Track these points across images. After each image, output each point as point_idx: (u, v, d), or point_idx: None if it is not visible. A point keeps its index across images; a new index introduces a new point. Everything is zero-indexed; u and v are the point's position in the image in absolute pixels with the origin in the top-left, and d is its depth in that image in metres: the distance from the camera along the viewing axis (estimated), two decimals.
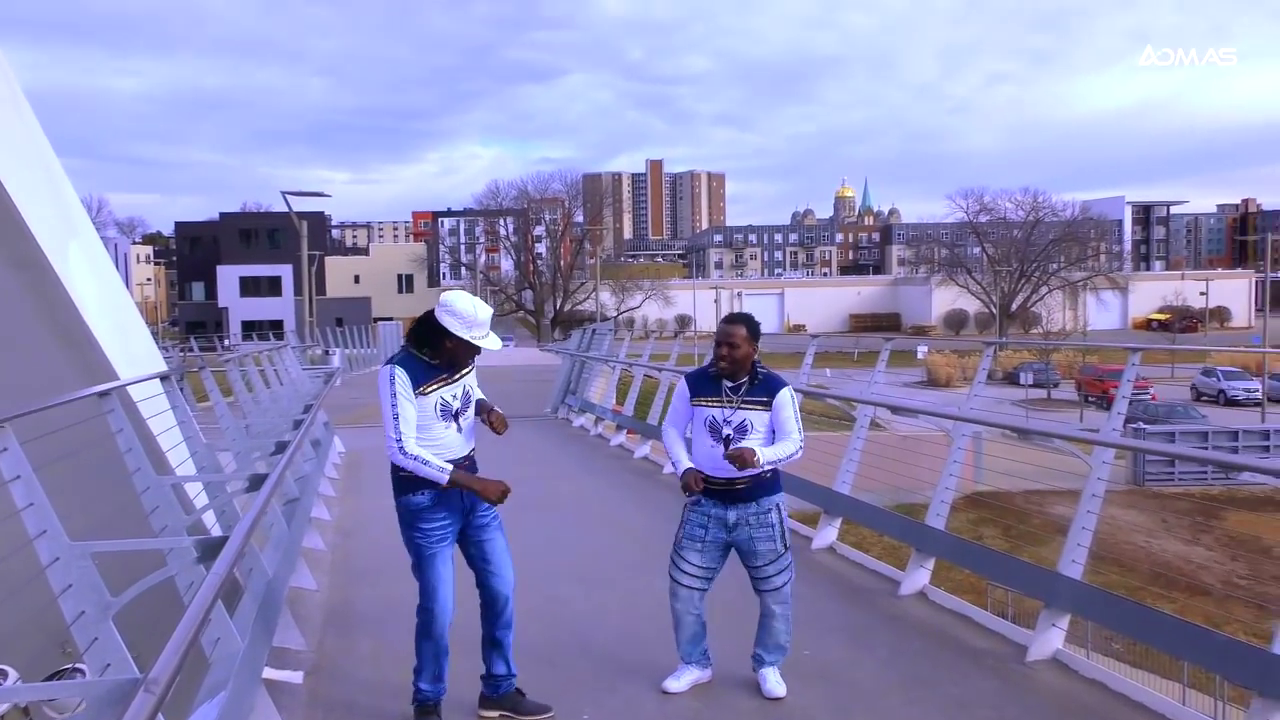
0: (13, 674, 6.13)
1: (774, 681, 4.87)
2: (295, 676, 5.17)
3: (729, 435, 4.75)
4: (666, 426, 5.01)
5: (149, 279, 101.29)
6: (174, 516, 4.64)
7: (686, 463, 4.85)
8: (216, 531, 4.96)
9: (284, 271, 75.38)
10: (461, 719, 4.63)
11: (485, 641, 4.60)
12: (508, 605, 4.55)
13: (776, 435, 4.76)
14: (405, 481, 4.38)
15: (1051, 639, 5.22)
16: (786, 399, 4.79)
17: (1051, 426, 6.63)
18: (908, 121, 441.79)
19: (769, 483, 4.82)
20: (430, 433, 4.32)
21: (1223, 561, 24.04)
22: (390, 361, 4.35)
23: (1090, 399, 46.30)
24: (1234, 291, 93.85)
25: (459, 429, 4.41)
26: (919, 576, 6.44)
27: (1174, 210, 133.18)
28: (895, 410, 6.88)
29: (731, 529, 4.81)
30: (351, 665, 5.46)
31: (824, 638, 5.63)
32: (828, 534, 7.74)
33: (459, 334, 4.26)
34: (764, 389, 4.77)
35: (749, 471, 4.65)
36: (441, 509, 4.38)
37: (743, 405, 4.74)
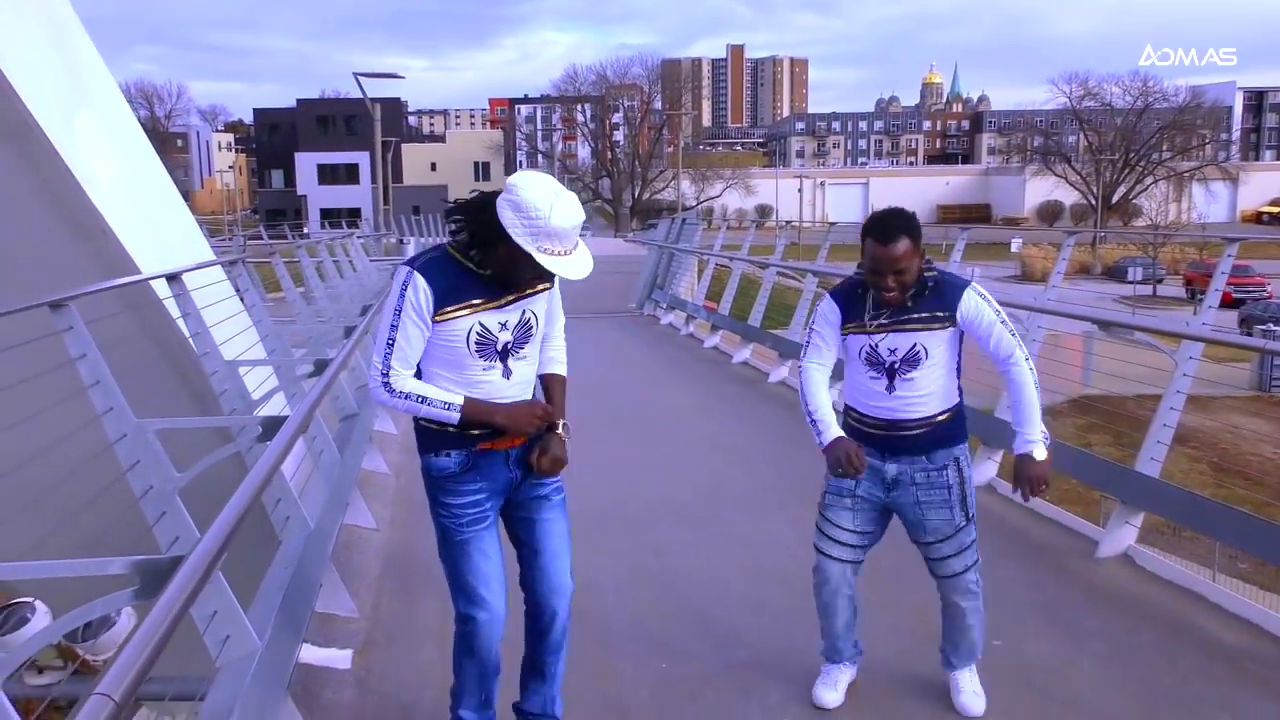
0: (41, 608, 5.24)
1: (970, 694, 3.62)
2: (342, 659, 4.08)
3: (894, 365, 3.41)
4: (808, 366, 3.56)
5: (230, 166, 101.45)
6: (159, 473, 3.48)
7: (835, 429, 3.46)
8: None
9: (361, 159, 74.50)
10: None
11: (525, 662, 3.27)
12: (555, 621, 3.17)
13: (993, 354, 3.40)
14: (427, 436, 3.04)
15: None
16: (977, 306, 3.37)
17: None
18: (999, 4, 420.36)
19: (946, 427, 3.47)
20: (463, 375, 2.95)
21: None
22: (413, 262, 2.94)
23: (1200, 297, 43.70)
24: None
25: (505, 373, 2.97)
26: (1124, 534, 5.08)
27: None
28: (1106, 327, 5.43)
29: (891, 487, 3.50)
30: (412, 640, 4.34)
31: (1015, 622, 4.34)
32: (986, 469, 6.38)
33: (517, 239, 2.76)
34: (938, 299, 3.37)
35: (923, 414, 3.38)
36: (476, 477, 3.03)
37: (909, 327, 3.38)
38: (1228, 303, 42.66)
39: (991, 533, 5.60)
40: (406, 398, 2.90)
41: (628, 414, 9.11)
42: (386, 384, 2.89)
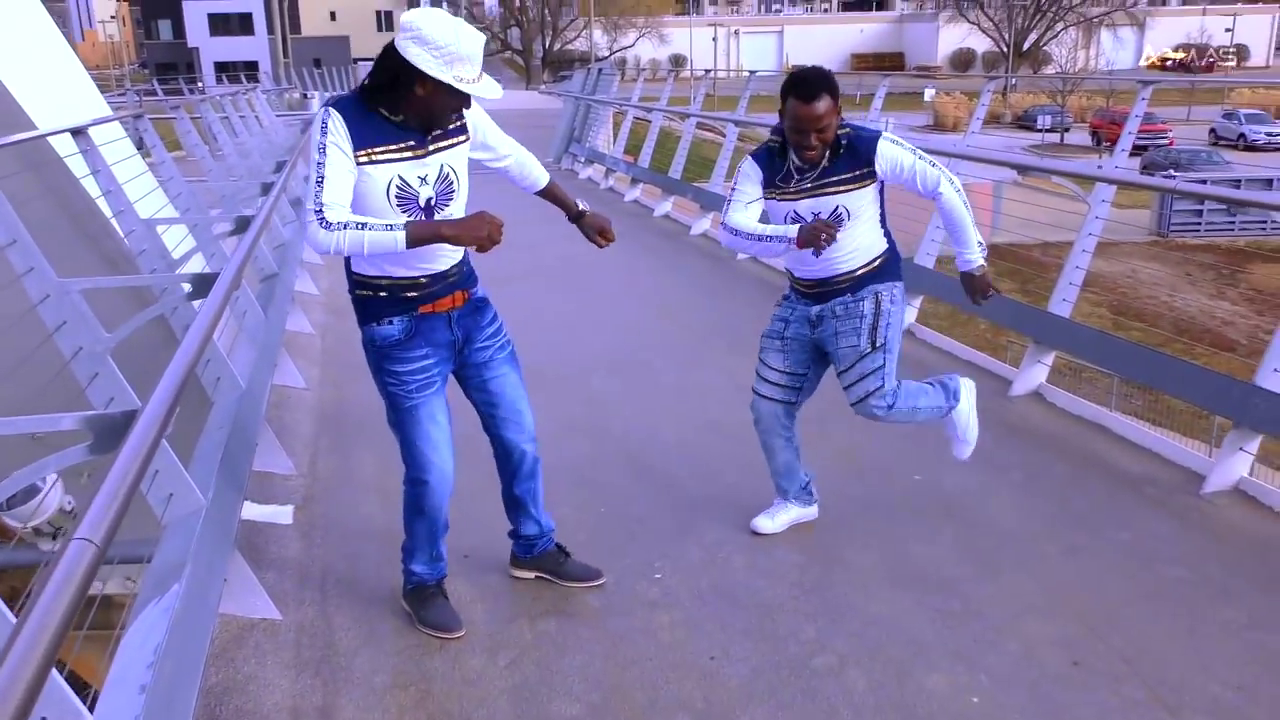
0: None
1: (958, 441, 3.95)
2: (285, 514, 4.12)
3: None
4: (731, 214, 3.61)
5: (113, 16, 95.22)
6: (88, 334, 3.38)
7: (790, 228, 3.50)
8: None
9: (255, 7, 70.59)
10: (496, 577, 3.61)
11: (505, 498, 3.44)
12: (525, 459, 3.36)
13: (922, 192, 3.51)
14: (366, 304, 3.03)
15: (1235, 466, 4.14)
16: (893, 154, 3.45)
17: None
18: None
19: (874, 272, 3.59)
20: None
21: (1248, 316, 23.21)
22: (328, 102, 2.90)
23: (1107, 145, 44.52)
24: (1254, 29, 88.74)
25: None
26: (1035, 373, 5.31)
27: None
28: (1025, 171, 5.53)
29: (815, 324, 3.66)
30: (352, 494, 4.40)
31: (934, 457, 4.51)
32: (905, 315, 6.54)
33: (432, 73, 2.73)
34: (853, 158, 3.44)
35: (850, 269, 3.56)
36: (421, 342, 3.05)
37: (829, 190, 3.46)
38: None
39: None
40: (345, 227, 2.76)
41: (554, 269, 9.07)
42: (322, 218, 2.76)
